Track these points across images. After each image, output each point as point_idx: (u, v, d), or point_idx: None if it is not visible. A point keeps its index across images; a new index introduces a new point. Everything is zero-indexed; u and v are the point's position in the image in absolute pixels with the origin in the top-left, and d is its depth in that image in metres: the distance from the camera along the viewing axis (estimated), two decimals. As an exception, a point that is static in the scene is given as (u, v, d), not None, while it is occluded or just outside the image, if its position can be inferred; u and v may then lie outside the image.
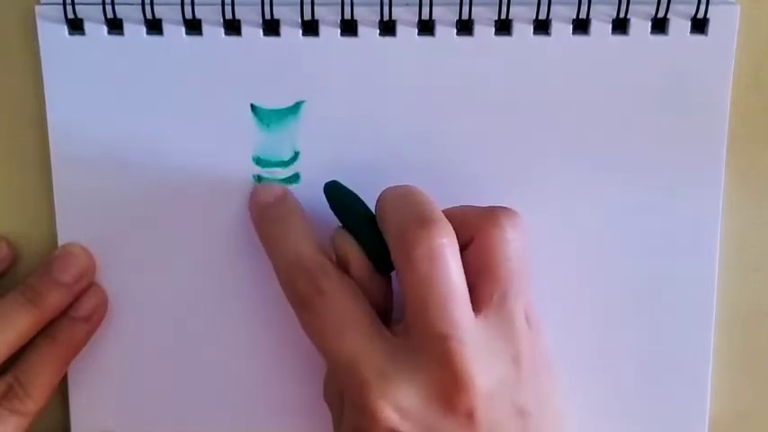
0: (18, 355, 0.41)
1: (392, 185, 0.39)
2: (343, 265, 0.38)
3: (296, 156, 0.41)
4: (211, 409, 0.44)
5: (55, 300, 0.41)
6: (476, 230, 0.37)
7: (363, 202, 0.39)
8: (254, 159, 0.41)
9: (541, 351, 0.38)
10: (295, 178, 0.42)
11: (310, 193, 0.41)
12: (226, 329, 0.43)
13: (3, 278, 0.43)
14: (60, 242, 0.42)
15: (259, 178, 0.41)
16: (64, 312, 0.42)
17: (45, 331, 0.41)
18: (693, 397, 0.43)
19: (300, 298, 0.37)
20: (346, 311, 0.37)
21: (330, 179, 0.41)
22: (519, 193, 0.42)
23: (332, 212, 0.40)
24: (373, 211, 0.39)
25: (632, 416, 0.44)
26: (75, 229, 0.42)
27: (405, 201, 0.37)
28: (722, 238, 0.42)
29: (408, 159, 0.41)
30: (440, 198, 0.41)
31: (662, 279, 0.42)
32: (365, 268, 0.38)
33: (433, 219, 0.36)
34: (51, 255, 0.42)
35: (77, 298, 0.42)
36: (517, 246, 0.37)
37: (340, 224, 0.40)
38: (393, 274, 0.39)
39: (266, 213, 0.40)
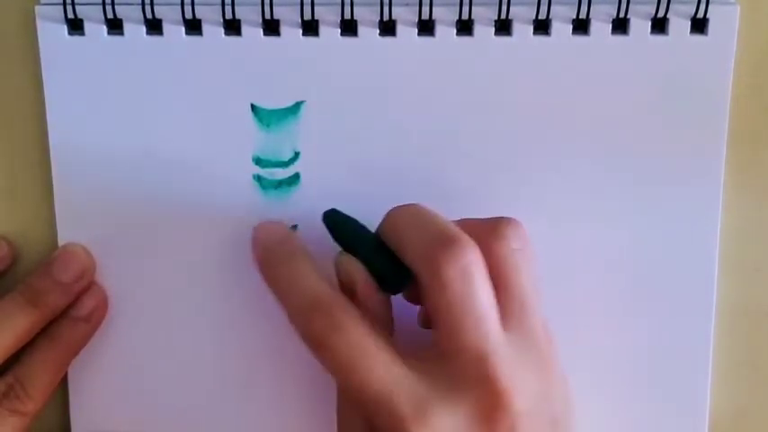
0: (18, 355, 0.41)
1: (398, 205, 0.38)
2: (348, 289, 0.38)
3: (296, 156, 0.41)
4: (211, 410, 0.44)
5: (55, 300, 0.41)
6: (482, 245, 0.36)
7: (363, 226, 0.39)
8: (253, 159, 0.41)
9: (558, 361, 0.38)
10: (295, 178, 0.42)
11: (310, 194, 0.42)
12: (226, 329, 0.43)
13: (2, 278, 0.43)
14: (60, 242, 0.42)
15: (259, 178, 0.41)
16: (64, 312, 0.42)
17: (45, 331, 0.41)
18: (693, 396, 0.43)
19: (318, 337, 0.36)
20: (369, 345, 0.35)
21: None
22: (518, 192, 0.42)
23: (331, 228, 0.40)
24: (374, 232, 0.39)
25: (632, 415, 0.44)
26: (75, 229, 0.42)
27: (420, 220, 0.37)
28: (722, 238, 0.42)
29: (408, 159, 0.41)
30: (440, 197, 0.41)
31: (662, 279, 0.42)
32: (373, 290, 0.38)
33: (459, 237, 0.35)
34: (51, 255, 0.42)
35: (77, 298, 0.42)
36: (524, 255, 0.37)
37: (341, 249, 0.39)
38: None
39: (270, 254, 0.40)
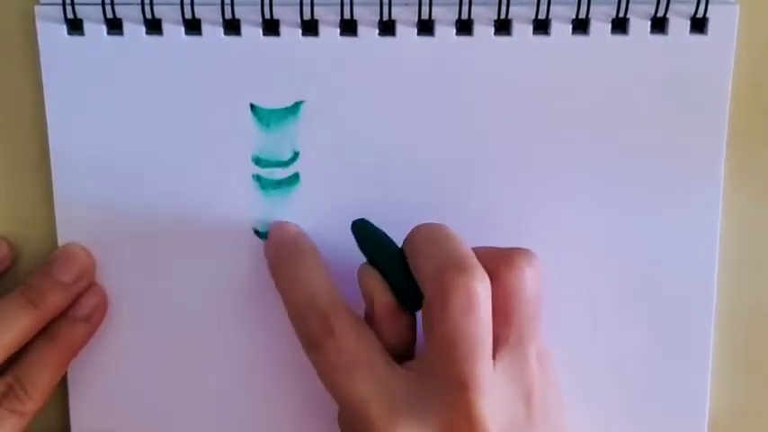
0: (18, 355, 0.41)
1: (423, 223, 0.38)
2: (368, 302, 0.39)
3: (295, 156, 0.41)
4: (211, 410, 0.44)
5: (55, 300, 0.41)
6: (495, 273, 0.36)
7: (391, 240, 0.39)
8: (253, 159, 0.41)
9: (553, 384, 0.39)
10: (294, 178, 0.42)
11: (310, 194, 0.42)
12: (225, 329, 0.43)
13: (3, 278, 0.43)
14: (60, 242, 0.42)
15: (258, 178, 0.41)
16: (64, 312, 0.42)
17: (45, 331, 0.41)
18: (693, 396, 0.43)
19: (311, 339, 0.37)
20: (357, 353, 0.37)
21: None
22: (518, 192, 0.42)
23: (333, 227, 0.40)
24: (399, 247, 0.39)
25: (632, 414, 0.44)
26: (74, 229, 0.42)
27: (439, 241, 0.37)
28: (722, 238, 0.42)
29: (408, 159, 0.41)
30: (439, 196, 0.41)
31: (662, 279, 0.42)
32: (391, 305, 0.38)
33: (471, 266, 0.36)
34: (51, 255, 0.42)
35: (77, 298, 0.42)
36: (534, 287, 0.37)
37: (366, 261, 0.40)
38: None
39: (280, 253, 0.41)
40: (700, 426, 0.44)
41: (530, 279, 0.37)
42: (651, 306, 0.43)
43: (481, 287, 0.35)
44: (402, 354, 0.38)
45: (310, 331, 0.37)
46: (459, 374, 0.35)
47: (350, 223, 0.41)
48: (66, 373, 0.43)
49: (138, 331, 0.43)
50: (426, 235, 0.38)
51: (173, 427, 0.44)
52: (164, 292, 0.42)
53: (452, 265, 0.36)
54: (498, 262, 0.37)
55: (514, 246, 0.38)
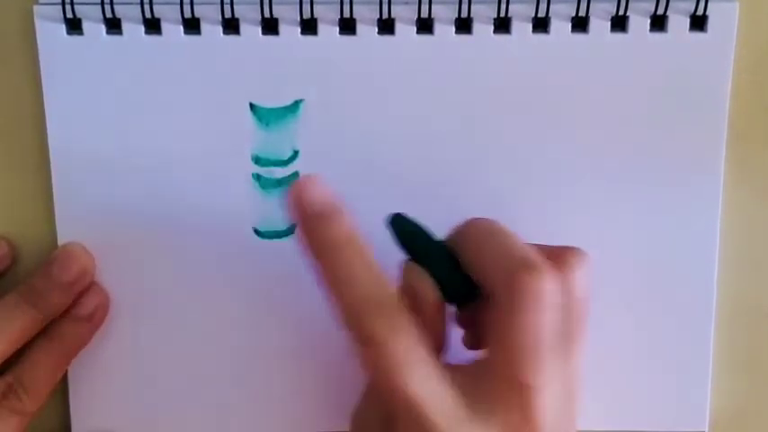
0: (18, 354, 0.41)
1: (474, 218, 0.38)
2: (410, 297, 0.37)
3: (295, 155, 0.41)
4: (211, 409, 0.44)
5: (55, 300, 0.41)
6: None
7: (432, 234, 0.38)
8: (253, 158, 0.41)
9: (581, 385, 0.38)
10: (294, 177, 0.42)
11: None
12: (226, 328, 0.43)
13: (3, 278, 0.43)
14: (60, 242, 0.42)
15: (258, 177, 0.41)
16: (66, 312, 0.42)
17: (46, 331, 0.41)
18: (693, 395, 0.43)
19: (367, 334, 0.35)
20: (416, 351, 0.35)
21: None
22: (517, 190, 0.42)
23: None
24: (443, 242, 0.38)
25: (633, 413, 0.44)
26: (74, 229, 0.42)
27: (502, 239, 0.36)
28: (722, 238, 0.42)
29: (407, 157, 0.41)
30: (439, 194, 0.41)
31: (662, 278, 0.42)
32: (438, 302, 0.37)
33: (542, 265, 0.35)
34: (51, 255, 0.42)
35: (79, 297, 0.42)
36: (586, 286, 0.37)
37: (408, 257, 0.38)
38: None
39: (325, 234, 0.37)
40: (700, 425, 0.44)
41: (582, 278, 0.36)
42: (651, 305, 0.43)
43: (553, 284, 0.35)
44: (439, 350, 0.38)
45: (368, 326, 0.35)
46: (527, 374, 0.34)
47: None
48: (66, 372, 0.43)
49: (138, 331, 0.43)
50: (484, 232, 0.37)
51: (173, 426, 0.44)
52: (163, 292, 0.42)
53: (523, 263, 0.35)
54: (553, 260, 0.36)
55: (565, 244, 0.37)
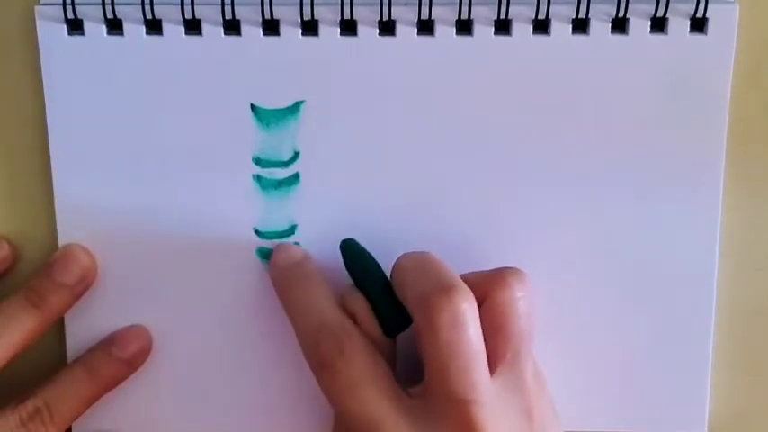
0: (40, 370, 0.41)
1: (407, 252, 0.39)
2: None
3: (296, 156, 0.41)
4: (211, 409, 0.44)
5: (57, 301, 0.41)
6: (486, 292, 0.38)
7: (378, 264, 0.40)
8: (253, 159, 0.41)
9: (549, 401, 0.39)
10: (295, 178, 0.42)
11: (310, 194, 0.42)
12: (226, 329, 0.43)
13: (4, 279, 0.43)
14: (61, 243, 0.42)
15: (259, 178, 0.41)
16: (106, 348, 0.42)
17: (86, 363, 0.42)
18: (693, 396, 0.43)
19: (322, 359, 0.38)
20: (367, 372, 0.37)
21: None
22: (517, 191, 0.42)
23: (333, 227, 0.41)
24: (385, 273, 0.40)
25: (632, 415, 0.44)
26: (75, 230, 0.42)
27: (424, 268, 0.38)
28: (722, 238, 0.42)
29: (408, 159, 0.41)
30: (439, 195, 0.41)
31: (662, 278, 0.42)
32: (374, 330, 0.39)
33: (455, 285, 0.36)
34: (52, 256, 0.42)
35: (123, 338, 0.42)
36: (526, 303, 0.38)
37: (352, 283, 0.40)
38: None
39: (286, 275, 0.41)
40: (700, 426, 0.44)
41: (521, 296, 0.38)
42: (651, 306, 0.43)
43: (465, 302, 0.36)
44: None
45: (322, 351, 0.38)
46: (458, 389, 0.36)
47: (350, 223, 0.41)
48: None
49: (139, 331, 0.43)
50: (411, 263, 0.39)
51: (173, 426, 0.44)
52: (164, 292, 0.42)
53: (436, 286, 0.37)
54: (489, 282, 0.38)
55: (502, 265, 0.39)
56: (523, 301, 0.38)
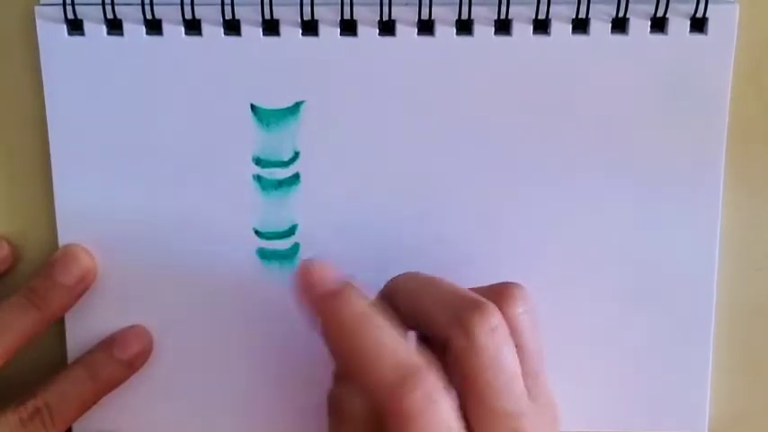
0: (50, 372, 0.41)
1: (399, 275, 0.38)
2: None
3: (296, 156, 0.41)
4: (211, 409, 0.44)
5: (57, 301, 0.41)
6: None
7: None
8: (253, 159, 0.41)
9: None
10: (295, 178, 0.42)
11: (310, 194, 0.42)
12: (225, 329, 0.43)
13: (4, 279, 0.43)
14: (61, 243, 0.42)
15: (259, 178, 0.41)
16: (107, 350, 0.42)
17: (85, 365, 0.42)
18: (693, 397, 0.43)
19: (413, 410, 0.34)
20: (453, 414, 0.35)
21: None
22: (517, 191, 0.42)
23: (333, 227, 0.41)
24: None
25: (632, 415, 0.44)
26: (75, 230, 0.42)
27: (437, 288, 0.37)
28: (722, 238, 0.42)
29: (408, 159, 0.41)
30: (439, 195, 0.41)
31: (662, 279, 0.42)
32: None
33: (484, 301, 0.36)
34: (52, 256, 0.42)
35: (124, 339, 0.42)
36: (531, 318, 0.37)
37: None
38: None
39: (341, 312, 0.36)
40: (700, 426, 0.44)
41: (525, 309, 0.37)
42: (651, 306, 0.43)
43: (499, 317, 0.35)
44: None
45: (414, 401, 0.34)
46: (506, 405, 0.35)
47: (350, 223, 0.41)
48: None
49: (139, 331, 0.43)
50: (416, 285, 0.38)
51: (173, 427, 0.44)
52: (164, 292, 0.42)
53: (468, 305, 0.35)
54: (494, 298, 0.37)
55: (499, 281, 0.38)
56: (529, 317, 0.37)
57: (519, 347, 0.36)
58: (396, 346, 0.35)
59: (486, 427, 0.35)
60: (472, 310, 0.35)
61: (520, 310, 0.37)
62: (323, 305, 0.36)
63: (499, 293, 0.37)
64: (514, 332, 0.36)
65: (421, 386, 0.34)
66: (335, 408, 0.37)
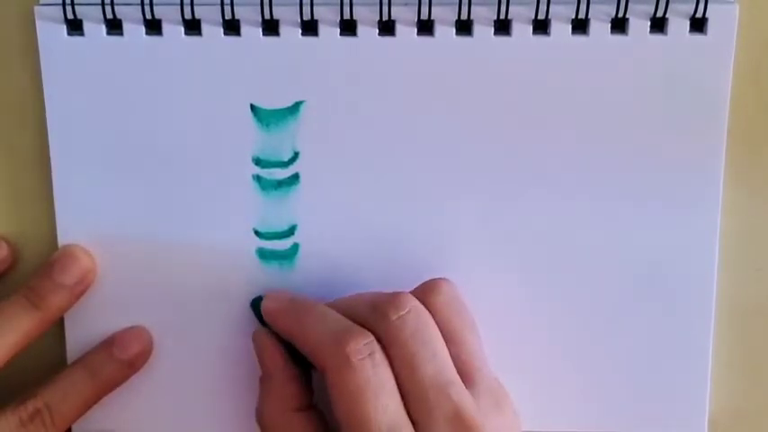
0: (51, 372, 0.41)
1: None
2: (261, 363, 0.40)
3: (295, 156, 0.41)
4: (211, 409, 0.44)
5: (56, 301, 0.41)
6: (423, 300, 0.38)
7: None
8: (253, 160, 0.41)
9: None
10: (294, 179, 0.42)
11: (310, 194, 0.42)
12: (225, 330, 0.43)
13: (4, 279, 0.43)
14: (61, 243, 0.42)
15: (258, 178, 0.41)
16: (107, 350, 0.42)
17: (86, 365, 0.42)
18: (693, 396, 0.43)
19: (348, 357, 0.36)
20: (390, 381, 0.36)
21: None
22: (517, 191, 0.42)
23: (333, 227, 0.42)
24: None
25: (632, 414, 0.44)
26: (75, 230, 0.42)
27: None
28: (722, 238, 0.42)
29: (407, 159, 0.41)
30: (439, 194, 0.41)
31: (662, 279, 0.42)
32: (281, 365, 0.40)
33: (397, 292, 0.38)
34: (52, 256, 0.42)
35: (124, 339, 0.42)
36: (457, 308, 0.39)
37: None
38: None
39: (287, 310, 0.40)
40: (700, 426, 0.44)
41: (452, 300, 0.39)
42: (651, 306, 0.43)
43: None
44: (300, 407, 0.39)
45: (349, 350, 0.36)
46: (432, 374, 0.36)
47: (350, 223, 0.41)
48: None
49: (138, 331, 0.43)
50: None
51: (173, 426, 0.44)
52: (164, 293, 0.43)
53: (382, 297, 0.38)
54: (418, 294, 0.39)
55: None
56: (456, 305, 0.39)
57: (447, 334, 0.38)
58: (337, 316, 0.38)
59: (418, 394, 0.36)
60: (387, 300, 0.37)
61: (440, 298, 0.38)
62: (265, 308, 0.41)
63: (422, 288, 0.39)
64: (440, 320, 0.38)
65: (360, 339, 0.36)
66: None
